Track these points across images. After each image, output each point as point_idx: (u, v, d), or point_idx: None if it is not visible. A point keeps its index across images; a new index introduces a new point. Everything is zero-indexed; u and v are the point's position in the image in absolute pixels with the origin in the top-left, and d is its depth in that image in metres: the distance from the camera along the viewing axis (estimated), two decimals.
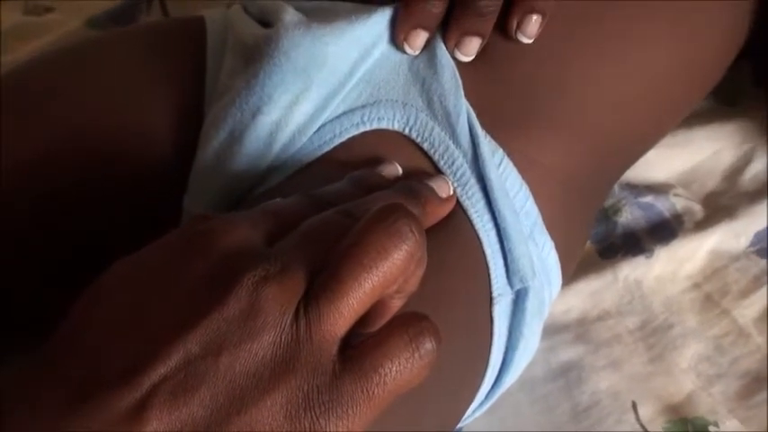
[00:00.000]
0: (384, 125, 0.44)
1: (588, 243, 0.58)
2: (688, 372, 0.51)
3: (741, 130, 0.61)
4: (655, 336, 0.53)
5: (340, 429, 0.26)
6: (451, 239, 0.42)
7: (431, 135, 0.44)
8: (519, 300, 0.44)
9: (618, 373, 0.52)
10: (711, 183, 0.60)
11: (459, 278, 0.42)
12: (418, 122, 0.44)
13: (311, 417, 0.26)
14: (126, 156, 0.49)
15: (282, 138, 0.45)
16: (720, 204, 0.59)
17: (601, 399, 0.51)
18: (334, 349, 0.28)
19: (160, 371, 0.26)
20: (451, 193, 0.41)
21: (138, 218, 0.49)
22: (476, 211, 0.43)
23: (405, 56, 0.46)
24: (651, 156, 0.58)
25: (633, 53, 0.50)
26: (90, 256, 0.44)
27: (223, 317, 0.27)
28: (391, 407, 0.28)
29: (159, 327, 0.27)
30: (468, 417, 0.46)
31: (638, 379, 0.51)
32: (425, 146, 0.44)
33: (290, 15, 0.48)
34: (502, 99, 0.47)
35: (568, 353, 0.53)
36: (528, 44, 0.46)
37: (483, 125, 0.45)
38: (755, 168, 0.60)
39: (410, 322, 0.29)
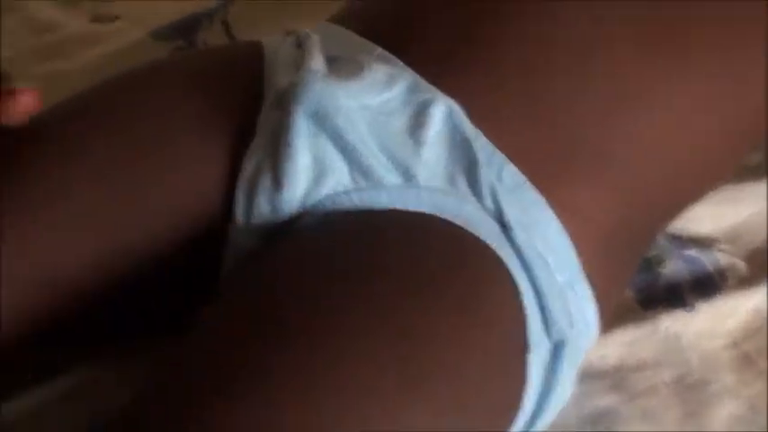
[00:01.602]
0: (412, 208, 0.45)
1: (628, 291, 0.58)
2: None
3: None
4: (691, 391, 0.53)
5: None
6: (489, 290, 0.43)
7: (460, 213, 0.44)
8: (557, 349, 0.45)
9: (651, 425, 0.52)
10: (757, 240, 0.60)
11: (490, 325, 0.43)
12: (448, 207, 0.45)
13: None
14: (178, 182, 0.50)
15: (296, 179, 0.45)
16: (765, 262, 0.58)
17: None
18: None
19: None
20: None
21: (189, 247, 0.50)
22: (515, 269, 0.44)
23: (422, 129, 0.46)
24: (697, 209, 0.58)
25: (682, 103, 0.50)
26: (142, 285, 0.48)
27: None
28: None
29: None
30: None
31: None
32: (458, 221, 0.44)
33: (316, 63, 0.49)
34: (548, 145, 0.47)
35: (603, 400, 0.53)
36: (577, 89, 0.47)
37: (526, 172, 0.46)
38: None
39: None
